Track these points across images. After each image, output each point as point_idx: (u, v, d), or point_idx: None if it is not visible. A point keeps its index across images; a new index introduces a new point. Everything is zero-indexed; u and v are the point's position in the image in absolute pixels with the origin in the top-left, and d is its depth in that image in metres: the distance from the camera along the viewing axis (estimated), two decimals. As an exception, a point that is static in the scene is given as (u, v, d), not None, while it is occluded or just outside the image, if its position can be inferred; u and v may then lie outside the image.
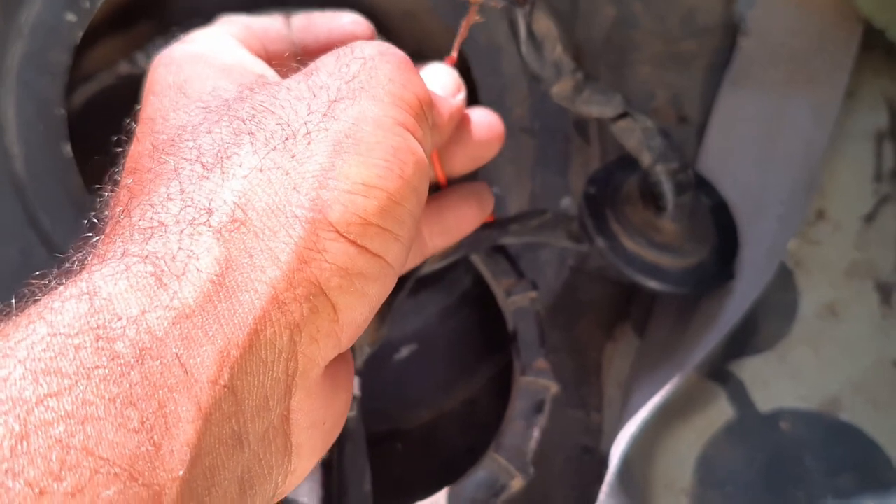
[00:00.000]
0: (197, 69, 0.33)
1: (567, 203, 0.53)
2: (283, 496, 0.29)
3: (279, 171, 0.27)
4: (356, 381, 0.42)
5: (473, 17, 0.41)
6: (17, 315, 0.23)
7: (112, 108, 0.54)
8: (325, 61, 0.32)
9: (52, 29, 0.48)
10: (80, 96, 0.53)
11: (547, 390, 0.44)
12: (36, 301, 0.24)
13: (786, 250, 0.49)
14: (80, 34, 0.48)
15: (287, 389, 0.26)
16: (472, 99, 0.55)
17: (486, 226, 0.47)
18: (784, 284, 0.50)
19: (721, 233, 0.48)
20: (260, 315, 0.25)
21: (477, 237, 0.46)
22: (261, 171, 0.27)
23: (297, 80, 0.31)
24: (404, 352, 0.49)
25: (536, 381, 0.44)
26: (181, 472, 0.21)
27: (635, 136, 0.44)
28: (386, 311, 0.44)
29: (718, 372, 0.50)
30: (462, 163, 0.43)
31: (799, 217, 0.49)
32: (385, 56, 0.32)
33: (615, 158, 0.51)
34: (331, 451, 0.41)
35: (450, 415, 0.49)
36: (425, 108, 0.33)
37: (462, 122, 0.41)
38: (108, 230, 0.28)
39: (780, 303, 0.50)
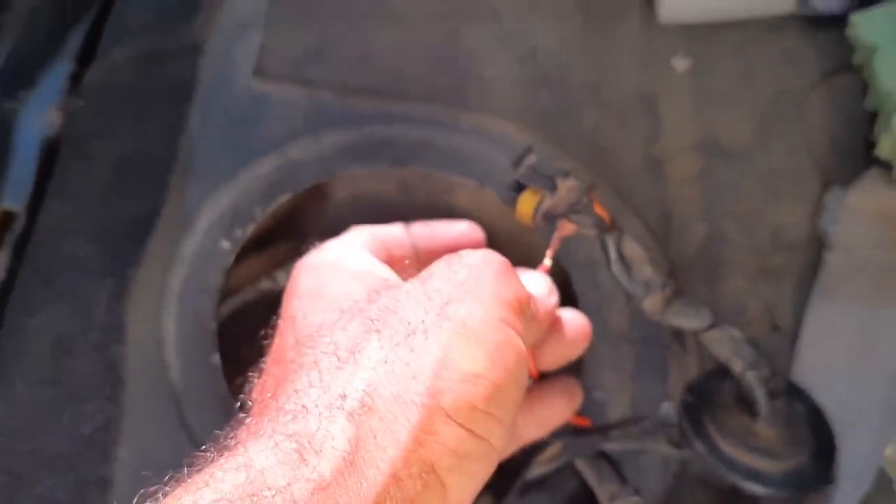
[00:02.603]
0: (332, 274, 0.40)
1: (666, 408, 0.55)
2: None
3: (401, 363, 0.32)
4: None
5: (564, 232, 0.46)
6: (187, 480, 0.28)
7: (253, 320, 0.62)
8: (438, 268, 0.37)
9: (210, 255, 0.56)
10: (225, 309, 0.60)
11: None
12: (200, 470, 0.28)
13: (883, 457, 0.50)
14: (233, 258, 0.56)
15: None
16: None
17: (588, 431, 0.51)
18: (884, 492, 0.50)
19: (818, 438, 0.50)
20: (381, 489, 0.28)
21: (580, 443, 0.49)
22: (386, 363, 0.32)
23: (414, 285, 0.36)
24: (513, 553, 0.51)
25: (641, 586, 0.46)
26: None
27: (725, 345, 0.48)
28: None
29: (825, 580, 0.50)
30: (553, 359, 0.46)
31: (895, 424, 0.51)
32: (488, 263, 0.37)
33: (711, 368, 0.54)
34: None
35: None
36: (524, 306, 0.37)
37: (554, 323, 0.45)
38: (256, 411, 0.33)
39: (883, 510, 0.51)
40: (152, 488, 0.28)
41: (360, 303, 0.37)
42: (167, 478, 0.29)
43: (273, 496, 0.26)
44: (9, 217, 0.58)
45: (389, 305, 0.35)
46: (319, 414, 0.30)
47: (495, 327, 0.34)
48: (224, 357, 0.55)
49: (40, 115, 0.62)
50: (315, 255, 0.43)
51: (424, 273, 0.38)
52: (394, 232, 0.48)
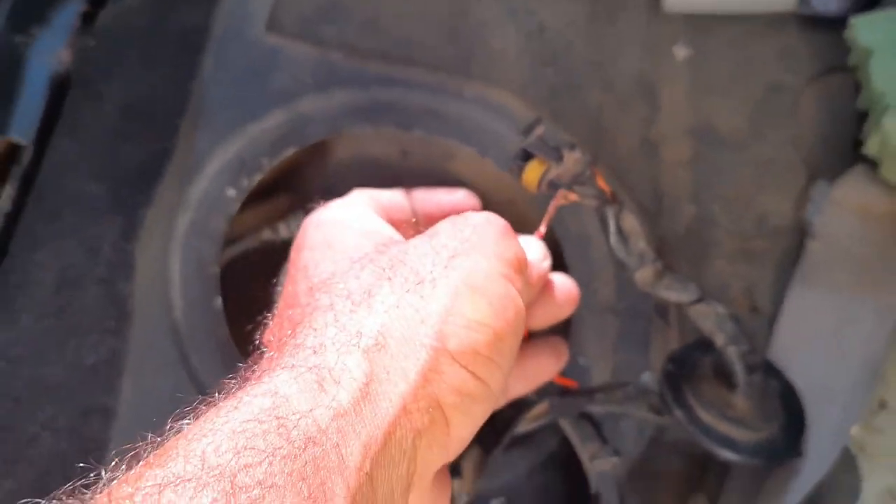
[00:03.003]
0: (340, 230, 0.42)
1: (647, 378, 0.58)
2: None
3: (411, 309, 0.34)
4: (455, 524, 0.47)
5: (560, 200, 0.48)
6: (217, 404, 0.30)
7: (251, 268, 0.63)
8: (444, 226, 0.40)
9: (216, 201, 0.57)
10: (226, 256, 0.61)
11: (625, 550, 0.48)
12: (227, 396, 0.30)
13: (849, 435, 0.53)
14: (238, 206, 0.57)
15: (407, 486, 0.32)
16: (564, 280, 0.62)
17: (574, 393, 0.53)
18: (848, 467, 0.54)
19: (789, 413, 0.53)
20: (393, 419, 0.31)
21: (566, 403, 0.51)
22: (397, 307, 0.34)
23: (422, 240, 0.39)
24: (495, 503, 0.54)
25: (615, 540, 0.48)
26: None
27: (710, 319, 0.50)
28: (483, 465, 0.49)
29: (786, 547, 0.53)
30: (543, 319, 0.49)
31: (862, 406, 0.54)
32: (491, 223, 0.40)
33: (693, 341, 0.57)
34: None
35: (531, 567, 0.53)
36: (522, 265, 0.40)
37: (546, 285, 0.48)
38: (275, 348, 0.35)
39: (844, 485, 0.54)
40: (186, 409, 0.29)
41: (370, 254, 0.39)
42: (197, 402, 0.30)
43: (298, 419, 0.28)
44: (15, 149, 0.58)
45: (399, 256, 0.38)
46: (337, 350, 0.32)
47: (497, 281, 0.37)
48: (224, 301, 0.56)
49: (51, 51, 0.62)
50: (322, 212, 0.45)
51: (430, 230, 0.40)
52: (395, 197, 0.50)
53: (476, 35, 0.66)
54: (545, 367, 0.49)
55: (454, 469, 0.50)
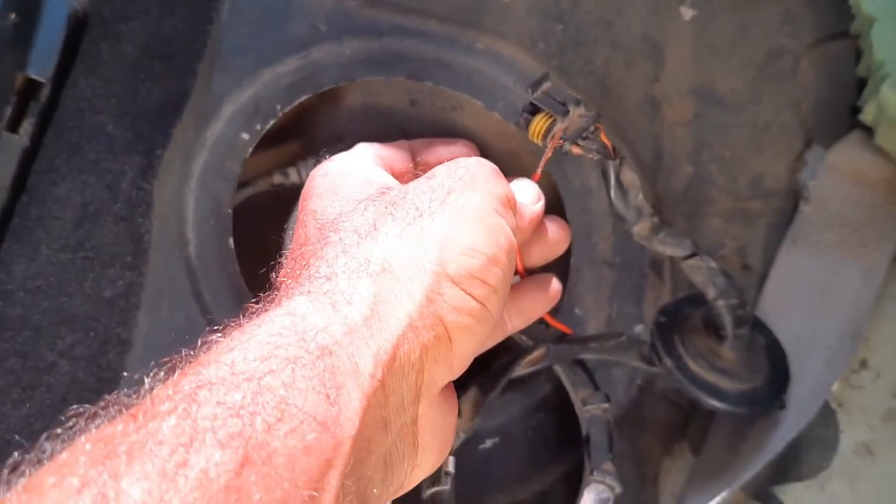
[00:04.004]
0: (345, 178, 0.45)
1: (639, 330, 0.60)
2: (411, 486, 0.38)
3: (413, 238, 0.38)
4: (451, 460, 0.50)
5: (555, 145, 0.50)
6: (242, 325, 0.33)
7: (262, 210, 0.65)
8: (440, 169, 0.43)
9: (230, 143, 0.59)
10: (237, 198, 0.63)
11: (612, 490, 0.51)
12: (251, 317, 0.34)
13: (830, 391, 0.56)
14: (251, 150, 0.59)
15: (416, 396, 0.35)
16: (564, 232, 0.64)
17: (569, 340, 0.55)
18: (827, 422, 0.56)
19: (774, 367, 0.55)
20: (400, 334, 0.34)
21: (561, 349, 0.54)
22: (400, 238, 0.38)
23: (420, 181, 0.43)
24: (488, 443, 0.56)
25: (604, 480, 0.51)
26: (353, 434, 0.30)
27: (702, 273, 0.53)
28: (480, 405, 0.52)
29: (764, 494, 0.56)
30: (538, 257, 0.52)
31: (843, 363, 0.56)
32: (482, 165, 0.44)
33: (684, 295, 0.59)
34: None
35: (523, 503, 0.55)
36: (512, 202, 0.44)
37: (540, 225, 0.50)
38: (293, 276, 0.37)
39: (823, 438, 0.57)
40: (216, 328, 0.32)
41: (372, 195, 0.42)
42: (224, 324, 0.33)
43: (315, 334, 0.32)
44: (34, 86, 0.60)
45: (400, 195, 0.41)
46: (348, 277, 0.35)
47: (489, 213, 0.40)
48: (235, 241, 0.58)
49: (69, -10, 0.63)
50: (328, 163, 0.48)
51: (428, 173, 0.44)
52: (397, 149, 0.53)
53: (487, -11, 0.67)
54: (539, 302, 0.52)
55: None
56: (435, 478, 0.50)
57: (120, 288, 0.53)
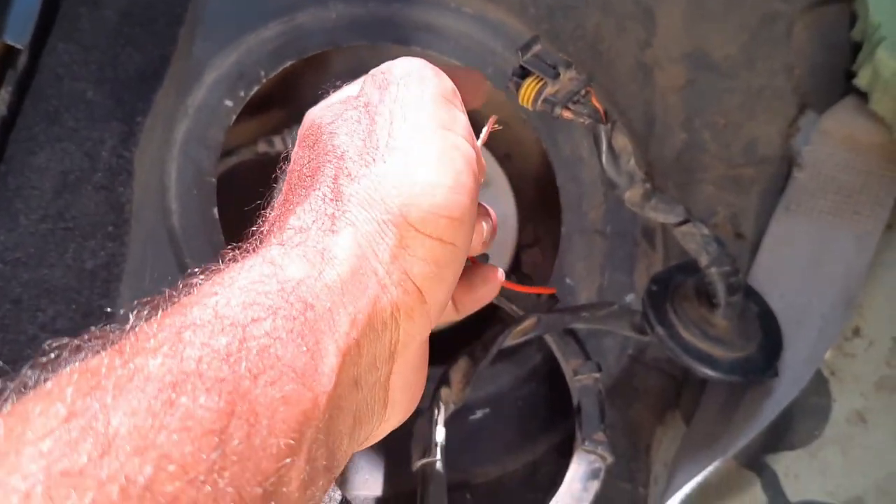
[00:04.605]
0: (321, 127, 0.42)
1: (631, 299, 0.60)
2: (377, 440, 0.38)
3: (370, 192, 0.36)
4: (441, 431, 0.49)
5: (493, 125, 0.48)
6: (222, 270, 0.32)
7: (246, 180, 0.64)
8: (370, 90, 0.39)
9: (213, 111, 0.57)
10: (221, 167, 0.62)
11: (604, 460, 0.51)
12: (230, 262, 0.32)
13: (823, 359, 0.55)
14: (234, 117, 0.58)
15: (390, 355, 0.35)
16: (555, 201, 0.63)
17: (559, 309, 0.55)
18: (819, 390, 0.56)
19: (767, 336, 0.55)
20: (373, 296, 0.34)
21: (552, 319, 0.53)
22: (357, 194, 0.36)
23: (359, 116, 0.38)
24: (479, 414, 0.56)
25: (595, 450, 0.51)
26: (329, 390, 0.30)
27: (695, 240, 0.52)
28: (471, 375, 0.51)
29: (756, 462, 0.55)
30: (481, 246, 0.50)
31: (837, 331, 0.56)
32: (411, 74, 0.39)
33: (676, 264, 0.58)
34: (418, 487, 0.48)
35: (513, 474, 0.55)
36: (455, 95, 0.39)
37: (484, 210, 0.48)
38: (271, 228, 0.36)
39: (815, 406, 0.56)
40: (196, 270, 0.31)
41: (325, 147, 0.39)
42: (202, 268, 0.32)
43: (293, 286, 0.31)
44: (11, 53, 0.58)
45: (348, 140, 0.38)
46: (317, 231, 0.35)
47: (435, 134, 0.37)
48: (219, 211, 0.57)
49: (45, -47, 0.61)
50: (313, 108, 0.45)
51: (358, 95, 0.40)
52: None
53: (476, -49, 0.65)
54: (491, 286, 0.49)
55: (444, 379, 0.52)
56: (425, 449, 0.49)
57: (102, 259, 0.51)
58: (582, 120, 0.48)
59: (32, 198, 0.52)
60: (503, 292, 0.55)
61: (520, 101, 0.48)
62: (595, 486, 0.50)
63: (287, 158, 0.44)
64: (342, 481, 0.51)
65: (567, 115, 0.48)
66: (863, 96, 0.59)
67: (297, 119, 0.64)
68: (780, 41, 0.64)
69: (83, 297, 0.51)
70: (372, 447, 0.54)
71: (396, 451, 0.52)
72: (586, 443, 0.51)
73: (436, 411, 0.50)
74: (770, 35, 0.64)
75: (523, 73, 0.48)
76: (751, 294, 0.56)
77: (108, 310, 0.51)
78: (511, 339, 0.52)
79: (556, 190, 0.62)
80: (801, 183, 0.59)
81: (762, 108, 0.63)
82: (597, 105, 0.49)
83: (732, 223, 0.61)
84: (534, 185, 0.69)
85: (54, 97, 0.55)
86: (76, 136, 0.54)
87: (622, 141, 0.49)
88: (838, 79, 0.62)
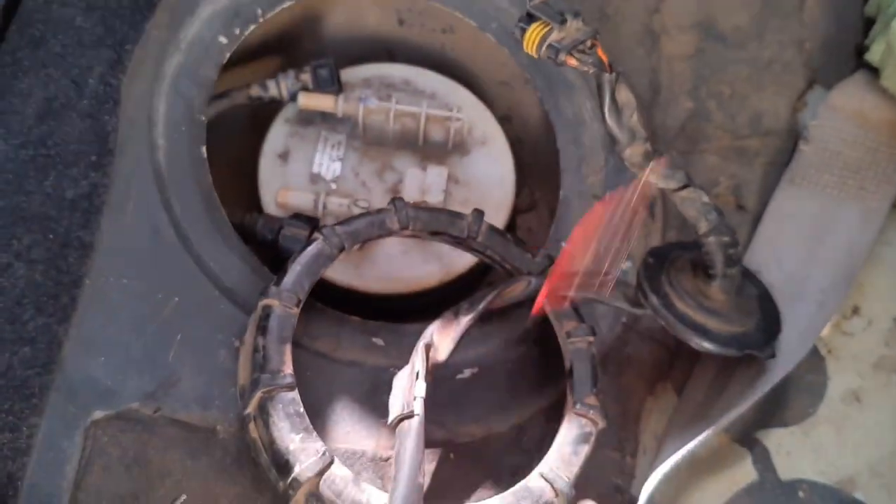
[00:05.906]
0: None
1: (627, 267, 0.58)
2: None
3: None
4: (422, 385, 0.47)
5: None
6: None
7: (237, 123, 0.62)
8: None
9: (207, 47, 0.55)
10: (213, 109, 0.60)
11: (595, 424, 0.49)
12: None
13: (819, 336, 0.54)
14: (228, 55, 0.56)
15: None
16: (554, 164, 0.61)
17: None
18: (815, 368, 0.55)
19: (765, 317, 0.53)
20: None
21: (543, 283, 0.51)
22: None
23: None
24: (467, 373, 0.54)
25: (587, 413, 0.49)
26: None
27: (695, 206, 0.50)
28: (454, 333, 0.50)
29: (747, 438, 0.54)
30: None
31: (835, 308, 0.54)
32: None
33: (673, 241, 0.57)
34: (395, 442, 0.46)
35: (499, 436, 0.53)
36: None
37: None
38: None
39: (810, 384, 0.55)
40: None
41: None
42: None
43: None
44: (-2, -22, 0.56)
45: None
46: None
47: None
48: (209, 154, 0.55)
49: None
50: None
51: None
52: None
53: None
54: None
55: (427, 335, 0.50)
56: (405, 403, 0.47)
57: (83, 188, 0.49)
58: (586, 68, 0.47)
59: (13, 122, 0.50)
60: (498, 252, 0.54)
61: (524, 46, 0.46)
62: (585, 450, 0.48)
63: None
64: (324, 433, 0.49)
65: (571, 62, 0.46)
66: (874, 72, 0.58)
67: (292, 67, 0.62)
68: (791, 14, 0.63)
69: (62, 227, 0.49)
70: (354, 400, 0.52)
71: (379, 405, 0.50)
72: (578, 405, 0.49)
73: (416, 364, 0.49)
74: (781, 7, 0.63)
75: (530, 20, 0.46)
76: (749, 277, 0.55)
77: (87, 240, 0.49)
78: (500, 299, 0.51)
79: (555, 153, 0.60)
80: (807, 157, 0.58)
81: (770, 80, 0.61)
82: (602, 56, 0.47)
83: (735, 194, 0.59)
84: (533, 148, 0.67)
85: (41, 22, 0.53)
86: (62, 62, 0.52)
87: (626, 94, 0.48)
88: (849, 54, 0.61)
